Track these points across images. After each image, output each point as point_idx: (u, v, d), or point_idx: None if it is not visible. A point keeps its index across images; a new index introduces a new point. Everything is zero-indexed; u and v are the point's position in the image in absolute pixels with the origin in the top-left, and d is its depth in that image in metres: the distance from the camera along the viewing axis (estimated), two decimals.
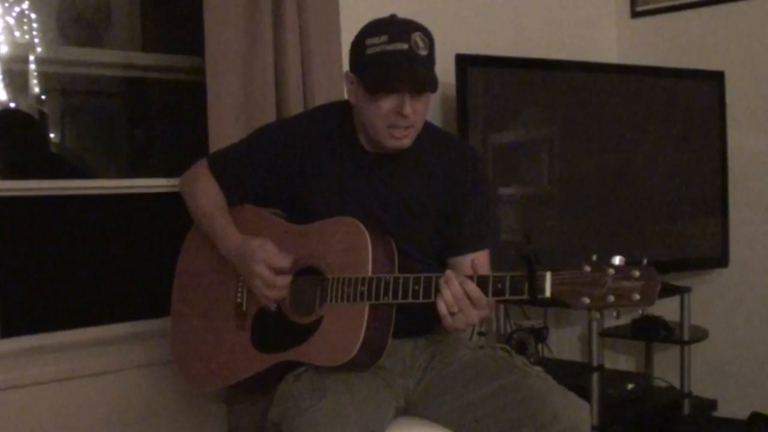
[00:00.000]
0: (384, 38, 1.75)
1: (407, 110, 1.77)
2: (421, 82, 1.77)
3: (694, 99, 3.24)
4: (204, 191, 1.99)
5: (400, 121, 1.79)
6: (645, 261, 1.57)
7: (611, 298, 1.56)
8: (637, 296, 1.56)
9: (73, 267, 2.58)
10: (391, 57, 1.74)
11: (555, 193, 3.06)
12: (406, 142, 1.84)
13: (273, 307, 1.88)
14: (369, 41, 1.77)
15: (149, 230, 2.65)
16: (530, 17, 3.34)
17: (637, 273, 1.56)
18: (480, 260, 1.80)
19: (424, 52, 1.76)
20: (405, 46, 1.74)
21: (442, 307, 1.67)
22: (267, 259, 1.82)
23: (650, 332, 3.22)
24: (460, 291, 1.66)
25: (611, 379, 3.09)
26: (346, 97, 1.94)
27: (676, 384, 3.22)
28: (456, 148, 1.99)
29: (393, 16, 1.82)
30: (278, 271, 1.83)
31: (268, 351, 1.89)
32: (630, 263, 1.57)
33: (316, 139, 1.94)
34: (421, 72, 1.76)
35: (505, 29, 3.23)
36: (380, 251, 1.81)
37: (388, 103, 1.78)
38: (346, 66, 1.97)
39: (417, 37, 1.76)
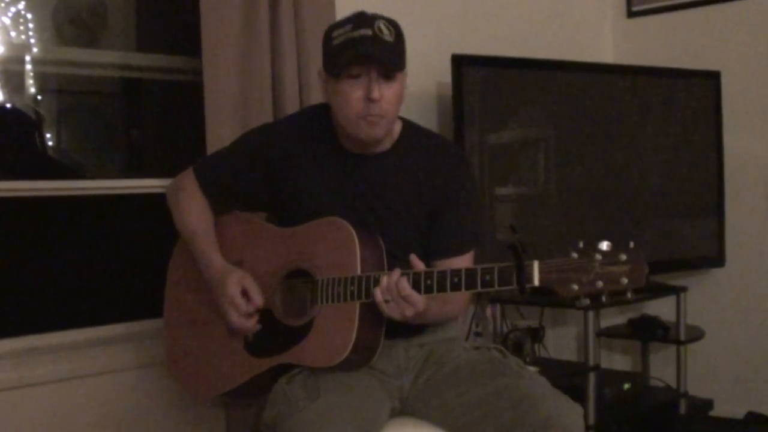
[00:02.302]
0: (348, 27, 1.77)
1: (375, 94, 1.76)
2: (385, 60, 1.76)
3: (691, 99, 3.24)
4: (189, 207, 1.99)
5: (371, 108, 1.78)
6: (631, 244, 1.57)
7: (600, 284, 1.56)
8: (624, 280, 1.55)
9: (69, 267, 2.58)
10: (356, 41, 1.75)
11: (551, 193, 3.05)
12: (379, 130, 1.82)
13: (250, 338, 1.90)
14: (335, 33, 1.79)
15: (145, 230, 2.65)
16: (526, 17, 3.34)
17: (624, 257, 1.56)
18: (460, 265, 1.78)
19: (389, 38, 1.76)
20: (369, 32, 1.75)
21: (377, 295, 1.70)
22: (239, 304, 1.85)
23: (646, 332, 3.23)
24: (393, 283, 1.68)
25: (607, 378, 3.09)
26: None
27: (673, 383, 3.22)
28: (442, 149, 1.98)
29: (360, 11, 1.82)
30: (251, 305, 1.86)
31: (261, 355, 1.88)
32: (617, 247, 1.57)
33: (299, 142, 1.94)
34: (386, 54, 1.76)
35: (501, 29, 3.24)
36: (368, 250, 1.80)
37: (356, 91, 1.77)
38: None
39: (381, 23, 1.76)
